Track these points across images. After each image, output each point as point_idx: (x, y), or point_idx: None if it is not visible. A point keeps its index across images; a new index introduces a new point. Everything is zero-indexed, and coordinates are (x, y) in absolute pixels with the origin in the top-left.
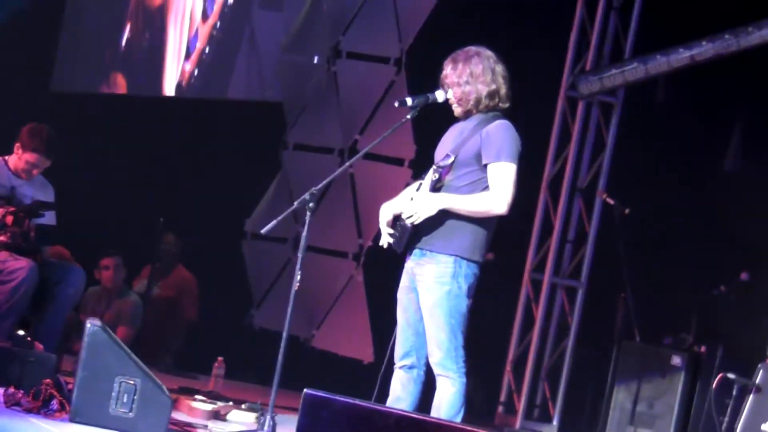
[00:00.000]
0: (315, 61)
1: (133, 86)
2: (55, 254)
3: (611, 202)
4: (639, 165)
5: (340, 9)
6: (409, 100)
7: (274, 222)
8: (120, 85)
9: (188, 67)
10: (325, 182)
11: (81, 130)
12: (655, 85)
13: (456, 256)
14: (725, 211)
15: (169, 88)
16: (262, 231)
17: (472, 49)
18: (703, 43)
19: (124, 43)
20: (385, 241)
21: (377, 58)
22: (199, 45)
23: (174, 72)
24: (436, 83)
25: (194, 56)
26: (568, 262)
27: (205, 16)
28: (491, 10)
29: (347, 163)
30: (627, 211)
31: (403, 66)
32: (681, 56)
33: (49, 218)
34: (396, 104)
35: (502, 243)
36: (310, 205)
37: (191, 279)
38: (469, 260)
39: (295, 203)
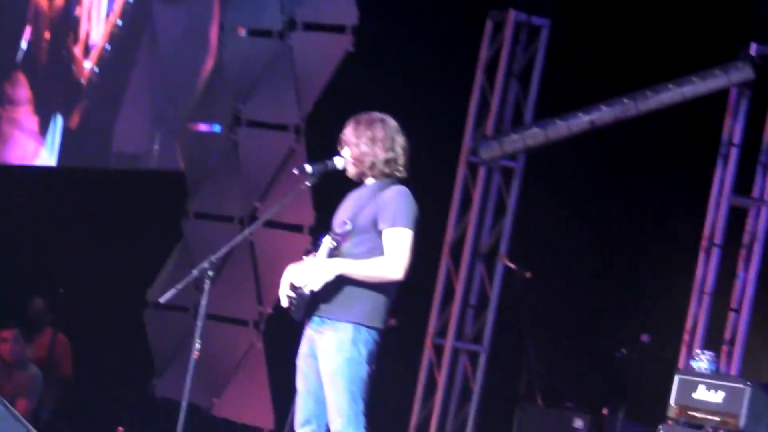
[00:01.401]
0: (217, 130)
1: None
2: None
3: (512, 266)
4: (540, 229)
5: (240, 77)
6: (308, 167)
7: (173, 290)
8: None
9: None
10: (224, 250)
11: None
12: (555, 148)
13: (356, 323)
14: (626, 273)
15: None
16: (161, 300)
17: (377, 114)
18: (602, 107)
19: None
20: (284, 302)
21: (277, 126)
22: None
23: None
24: (334, 150)
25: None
26: (470, 327)
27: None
28: (391, 76)
29: (246, 231)
30: (528, 275)
31: (303, 133)
32: (580, 121)
33: None
34: (295, 171)
35: (404, 308)
36: (209, 273)
37: (63, 338)
38: (369, 327)
39: (195, 271)
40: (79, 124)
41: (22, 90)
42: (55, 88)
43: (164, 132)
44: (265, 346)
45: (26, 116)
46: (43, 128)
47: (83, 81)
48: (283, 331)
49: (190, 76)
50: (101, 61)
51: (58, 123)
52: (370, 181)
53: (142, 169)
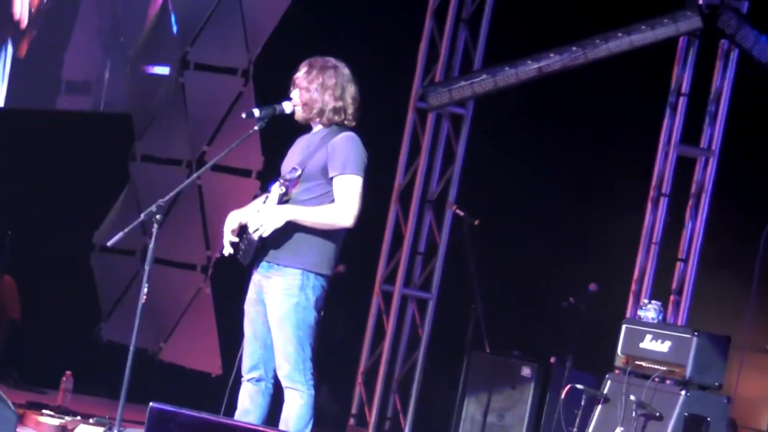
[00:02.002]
0: (166, 72)
1: None
2: None
3: (461, 213)
4: (488, 177)
5: (188, 19)
6: (256, 112)
7: (120, 234)
8: None
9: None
10: (172, 194)
11: None
12: (504, 96)
13: (304, 269)
14: (574, 222)
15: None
16: (108, 243)
17: (332, 60)
18: (551, 55)
19: None
20: (227, 249)
21: (225, 69)
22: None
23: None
24: (282, 94)
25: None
26: (418, 274)
27: None
28: (340, 20)
29: (194, 175)
30: (477, 222)
31: (251, 77)
32: (529, 68)
33: None
34: (243, 116)
35: (353, 255)
36: (157, 217)
37: (9, 280)
38: (317, 273)
39: (142, 215)
40: (27, 53)
41: None
42: (2, 19)
43: (114, 60)
44: (213, 290)
45: None
46: None
47: (32, 10)
48: (231, 276)
49: (139, 8)
50: None
51: (8, 53)
52: (317, 126)
53: (92, 98)
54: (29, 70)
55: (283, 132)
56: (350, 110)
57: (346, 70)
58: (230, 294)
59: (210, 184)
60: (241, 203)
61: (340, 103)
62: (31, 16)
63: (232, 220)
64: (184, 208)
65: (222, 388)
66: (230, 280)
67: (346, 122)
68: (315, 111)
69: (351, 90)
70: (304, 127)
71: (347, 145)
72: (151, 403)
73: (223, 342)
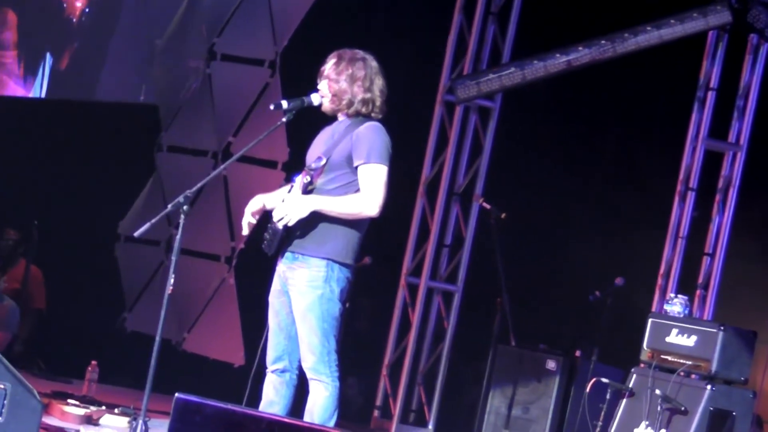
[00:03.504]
0: (191, 63)
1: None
2: None
3: (488, 206)
4: (516, 170)
5: (215, 11)
6: (284, 103)
7: (147, 225)
8: None
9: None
10: (199, 185)
11: None
12: (533, 90)
13: (328, 259)
14: (601, 215)
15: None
16: (135, 234)
17: (360, 53)
18: (580, 48)
19: None
20: (245, 230)
21: (252, 60)
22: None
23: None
24: (309, 86)
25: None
26: (444, 267)
27: None
28: (368, 13)
29: (221, 167)
30: (503, 215)
31: (278, 68)
32: (558, 61)
33: None
34: (271, 107)
35: (379, 247)
36: (185, 207)
37: (36, 270)
38: (341, 264)
39: (169, 206)
40: (68, 65)
41: (9, 32)
42: (45, 27)
43: (148, 84)
44: (237, 281)
45: (12, 60)
46: (31, 70)
47: (74, 20)
48: (255, 267)
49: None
50: (91, 1)
51: (47, 64)
52: (342, 117)
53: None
54: (70, 81)
55: (308, 123)
56: (378, 102)
57: (374, 63)
58: (254, 285)
59: (235, 175)
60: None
61: (368, 95)
62: (73, 27)
63: (256, 202)
64: (209, 198)
65: (245, 379)
66: (254, 270)
67: (373, 114)
68: (344, 102)
69: (379, 82)
70: (330, 119)
71: (372, 134)
72: (177, 395)
73: (246, 333)
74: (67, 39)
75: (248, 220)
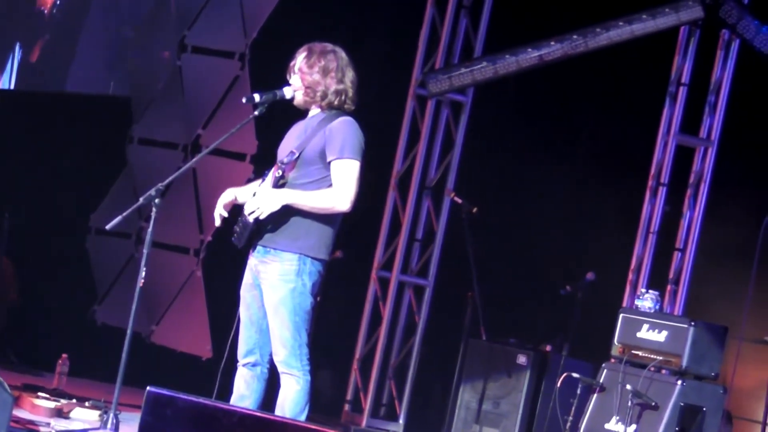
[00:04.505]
0: (163, 55)
1: None
2: None
3: (459, 201)
4: (487, 164)
5: (187, 3)
6: (257, 97)
7: (119, 218)
8: None
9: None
10: (171, 178)
11: None
12: (504, 84)
13: (300, 254)
14: (572, 210)
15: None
16: (108, 226)
17: (329, 45)
18: (552, 43)
19: None
20: (217, 222)
21: (222, 52)
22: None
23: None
24: (278, 78)
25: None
26: (416, 261)
27: None
28: (339, 6)
29: (194, 159)
30: (475, 210)
31: (247, 61)
32: (530, 56)
33: None
34: (244, 100)
35: (350, 241)
36: (156, 200)
37: (7, 262)
38: (314, 258)
39: (141, 199)
40: (39, 57)
41: None
42: (15, 20)
43: (117, 78)
44: (205, 274)
45: None
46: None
47: (46, 12)
48: (223, 260)
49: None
50: None
51: (16, 56)
52: (315, 111)
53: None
54: (38, 73)
55: (277, 117)
56: (350, 93)
57: (344, 54)
58: (222, 277)
59: (204, 168)
60: (235, 186)
61: (341, 86)
62: (44, 20)
63: (228, 194)
64: (178, 191)
65: (212, 372)
66: (222, 263)
67: (345, 106)
68: (318, 94)
69: (350, 74)
70: (298, 112)
71: (345, 129)
72: (148, 388)
73: (214, 326)
74: (38, 31)
75: (220, 212)
